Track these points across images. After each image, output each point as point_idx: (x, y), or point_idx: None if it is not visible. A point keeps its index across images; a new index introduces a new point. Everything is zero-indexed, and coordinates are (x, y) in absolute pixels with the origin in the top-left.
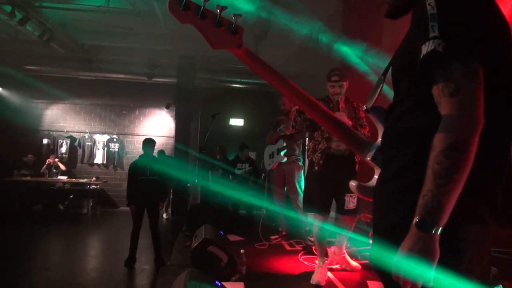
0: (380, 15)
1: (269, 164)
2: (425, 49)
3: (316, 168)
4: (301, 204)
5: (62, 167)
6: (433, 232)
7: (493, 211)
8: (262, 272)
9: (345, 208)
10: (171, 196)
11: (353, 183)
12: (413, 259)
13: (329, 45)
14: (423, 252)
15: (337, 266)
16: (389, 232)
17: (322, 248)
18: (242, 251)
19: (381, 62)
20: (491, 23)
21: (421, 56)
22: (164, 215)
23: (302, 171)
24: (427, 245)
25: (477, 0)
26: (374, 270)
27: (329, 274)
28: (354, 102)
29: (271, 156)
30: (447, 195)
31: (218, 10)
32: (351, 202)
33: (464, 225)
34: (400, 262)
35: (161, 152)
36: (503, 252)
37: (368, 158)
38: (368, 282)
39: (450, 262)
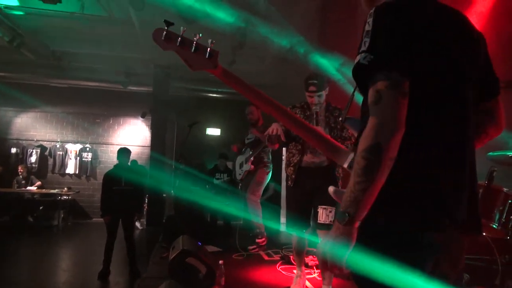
0: (355, 27)
1: (239, 174)
2: (355, 61)
3: (289, 182)
4: (258, 208)
5: (37, 182)
6: (349, 224)
7: (454, 220)
8: (241, 283)
9: (318, 221)
10: (145, 206)
11: (331, 188)
12: (333, 244)
13: (306, 56)
14: (340, 239)
15: None
16: (360, 236)
17: (300, 259)
18: (221, 262)
19: None
20: (431, 37)
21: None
22: (138, 225)
23: (268, 176)
24: (343, 234)
25: (409, 19)
26: (351, 274)
27: (308, 283)
28: (336, 110)
29: (241, 166)
30: (362, 192)
31: (194, 38)
32: (324, 215)
33: (426, 233)
34: (322, 246)
35: (134, 161)
36: (474, 258)
37: (345, 165)
38: None
39: (417, 267)
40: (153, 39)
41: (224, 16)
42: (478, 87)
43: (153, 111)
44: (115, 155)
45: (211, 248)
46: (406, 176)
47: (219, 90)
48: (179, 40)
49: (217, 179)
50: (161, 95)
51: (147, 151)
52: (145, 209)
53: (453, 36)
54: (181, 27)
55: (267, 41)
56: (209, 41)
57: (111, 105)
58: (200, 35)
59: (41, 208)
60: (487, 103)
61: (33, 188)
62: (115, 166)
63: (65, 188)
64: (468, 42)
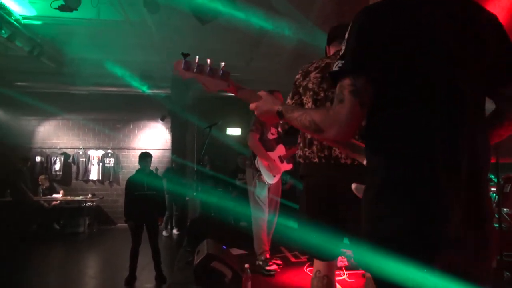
0: None
1: (273, 176)
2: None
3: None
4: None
5: (60, 191)
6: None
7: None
8: (268, 287)
9: None
10: (173, 212)
11: (353, 185)
12: None
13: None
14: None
15: None
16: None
17: None
18: (246, 265)
19: None
20: (408, 34)
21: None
22: (164, 233)
23: None
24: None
25: (381, 19)
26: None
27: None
28: None
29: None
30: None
31: (208, 62)
32: None
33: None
34: None
35: (169, 169)
36: None
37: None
38: None
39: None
40: (174, 68)
41: (240, 14)
42: (485, 76)
43: (172, 114)
44: (137, 159)
45: (235, 251)
46: (389, 185)
47: None
48: (195, 67)
49: (239, 179)
50: (180, 97)
51: (168, 154)
52: (173, 215)
53: (438, 29)
54: (196, 56)
55: (282, 37)
56: (221, 64)
57: (131, 110)
58: (212, 60)
59: (66, 215)
60: (506, 89)
61: (58, 196)
62: (137, 171)
63: (89, 195)
64: (459, 32)
